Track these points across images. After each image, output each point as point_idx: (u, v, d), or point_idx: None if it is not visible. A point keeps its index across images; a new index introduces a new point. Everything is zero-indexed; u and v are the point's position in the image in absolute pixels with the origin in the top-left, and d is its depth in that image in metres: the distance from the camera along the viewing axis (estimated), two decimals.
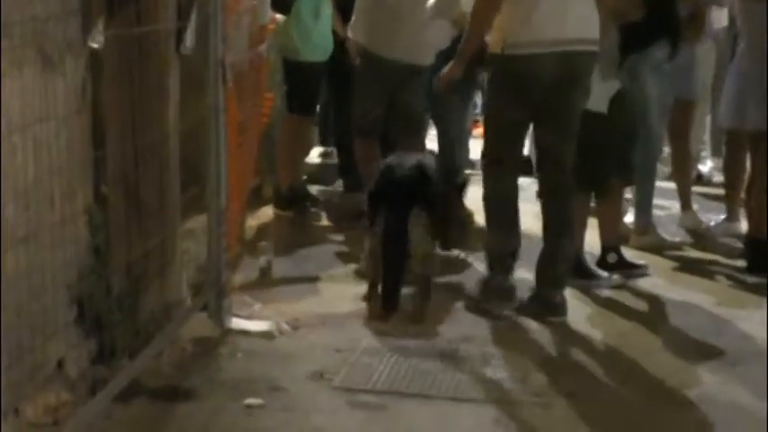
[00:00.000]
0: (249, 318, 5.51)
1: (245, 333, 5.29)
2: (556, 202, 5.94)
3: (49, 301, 4.03)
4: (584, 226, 6.53)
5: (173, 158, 4.90)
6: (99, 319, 4.44)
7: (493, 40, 5.92)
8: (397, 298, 5.73)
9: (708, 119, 9.78)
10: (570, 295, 6.14)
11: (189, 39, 4.89)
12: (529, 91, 5.78)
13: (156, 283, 4.86)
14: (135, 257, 4.67)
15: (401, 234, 5.70)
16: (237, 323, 5.35)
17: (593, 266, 6.56)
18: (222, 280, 5.30)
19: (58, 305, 4.12)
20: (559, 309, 5.87)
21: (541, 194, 6.02)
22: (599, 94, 6.28)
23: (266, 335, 5.29)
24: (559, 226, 5.92)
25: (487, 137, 6.16)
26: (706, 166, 10.12)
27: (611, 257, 6.67)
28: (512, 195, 6.01)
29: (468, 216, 7.50)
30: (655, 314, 6.11)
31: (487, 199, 6.03)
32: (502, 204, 6.01)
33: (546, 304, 5.88)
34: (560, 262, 5.94)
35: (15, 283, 3.71)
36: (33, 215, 3.88)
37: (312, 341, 5.29)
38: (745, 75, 7.06)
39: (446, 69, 6.14)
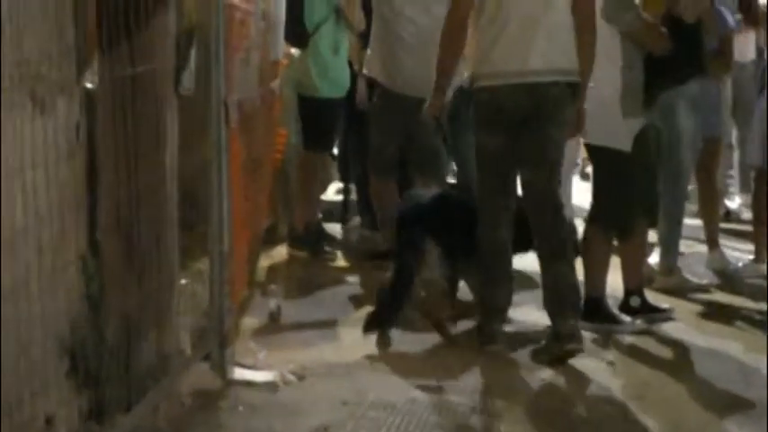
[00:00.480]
0: (253, 367, 5.27)
1: (248, 384, 5.05)
2: (545, 234, 5.76)
3: (38, 354, 3.82)
4: (605, 268, 6.31)
5: (170, 202, 4.69)
6: (91, 372, 4.22)
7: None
8: (391, 314, 5.84)
9: (735, 154, 9.55)
10: (591, 341, 5.92)
11: (187, 78, 4.69)
12: (499, 124, 5.69)
13: (152, 332, 4.63)
14: (130, 306, 4.45)
15: (410, 257, 5.90)
16: (240, 374, 5.12)
17: (615, 311, 6.31)
18: (225, 328, 5.08)
19: (47, 358, 3.90)
20: (572, 338, 5.68)
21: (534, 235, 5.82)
22: (622, 132, 6.07)
23: (270, 386, 5.05)
24: (553, 254, 5.73)
25: (477, 180, 6.03)
26: (734, 203, 9.90)
27: (635, 301, 6.42)
28: (502, 244, 5.85)
29: None
30: (680, 362, 5.86)
31: (480, 247, 5.87)
32: (493, 254, 5.84)
33: (557, 336, 5.70)
34: (562, 290, 5.74)
35: (3, 335, 3.51)
36: (22, 263, 3.68)
37: (318, 393, 5.03)
38: None
39: (426, 103, 6.00)
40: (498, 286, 5.86)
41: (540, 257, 5.82)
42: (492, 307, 5.89)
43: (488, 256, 5.85)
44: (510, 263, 5.90)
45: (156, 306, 4.64)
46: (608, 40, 6.02)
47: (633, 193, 6.22)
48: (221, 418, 4.68)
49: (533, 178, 5.76)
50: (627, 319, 6.29)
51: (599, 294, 6.25)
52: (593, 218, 6.38)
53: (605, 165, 6.08)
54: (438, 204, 6.13)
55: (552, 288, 5.74)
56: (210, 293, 5.07)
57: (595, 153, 6.27)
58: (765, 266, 7.55)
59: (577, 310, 5.86)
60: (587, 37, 5.67)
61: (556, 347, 5.67)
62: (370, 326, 5.89)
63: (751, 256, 7.77)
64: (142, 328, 4.56)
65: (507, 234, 5.83)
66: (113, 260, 4.42)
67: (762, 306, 6.84)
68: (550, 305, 5.77)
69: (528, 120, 5.66)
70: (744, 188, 10.27)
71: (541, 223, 5.76)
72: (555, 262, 5.72)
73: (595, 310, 6.19)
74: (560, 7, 5.65)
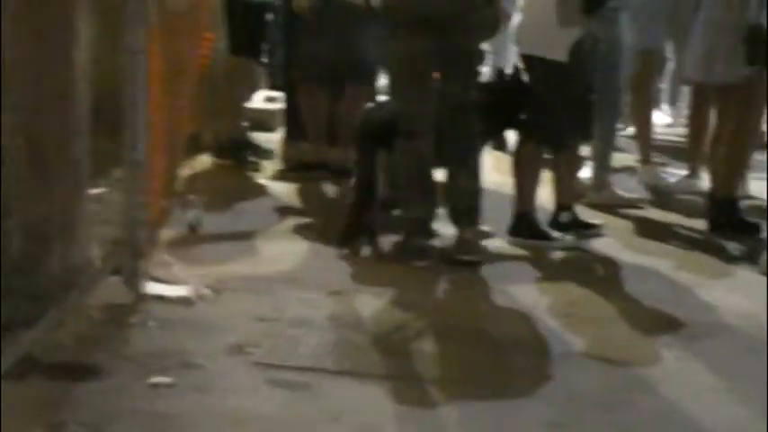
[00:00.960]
0: (168, 281, 5.05)
1: (161, 299, 4.82)
2: (454, 141, 5.71)
3: None
4: (536, 183, 6.14)
5: (80, 105, 4.43)
6: None
7: None
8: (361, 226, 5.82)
9: (671, 66, 9.38)
10: (521, 258, 5.78)
11: None
12: (412, 28, 5.57)
13: (59, 244, 4.40)
14: (35, 216, 4.23)
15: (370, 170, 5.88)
16: (153, 288, 4.88)
17: (545, 226, 6.15)
18: (139, 240, 4.84)
19: None
20: (470, 247, 5.66)
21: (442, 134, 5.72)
22: (558, 42, 5.87)
23: (184, 301, 4.84)
24: (459, 162, 5.71)
25: (392, 88, 5.99)
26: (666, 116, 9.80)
27: (565, 216, 6.26)
28: (423, 155, 5.71)
29: None
30: (609, 280, 5.75)
31: (401, 162, 5.78)
32: (413, 164, 5.73)
33: (459, 243, 5.67)
34: (462, 199, 5.72)
35: None
36: None
37: (234, 309, 4.83)
38: (713, 25, 6.62)
39: None
40: (420, 198, 5.75)
41: (447, 165, 5.75)
42: (415, 219, 5.75)
43: (409, 168, 5.73)
44: (430, 174, 5.77)
45: (63, 216, 4.41)
46: None
47: (569, 106, 6.02)
48: (130, 335, 4.45)
49: (448, 84, 5.68)
50: (557, 234, 6.13)
51: (529, 209, 6.10)
52: (526, 130, 6.19)
53: (540, 76, 5.88)
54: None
55: (454, 196, 5.73)
56: (124, 204, 4.82)
57: (530, 63, 6.06)
58: (700, 182, 7.40)
59: (475, 219, 5.75)
60: None
61: (454, 257, 5.64)
62: (344, 240, 5.80)
63: (685, 172, 7.61)
64: (48, 238, 4.35)
65: (427, 144, 5.69)
66: (18, 167, 4.20)
67: (694, 223, 6.71)
68: (451, 214, 5.75)
69: (441, 23, 5.53)
70: (672, 101, 10.18)
71: (452, 130, 5.68)
72: (459, 170, 5.70)
73: (525, 225, 6.05)
74: None
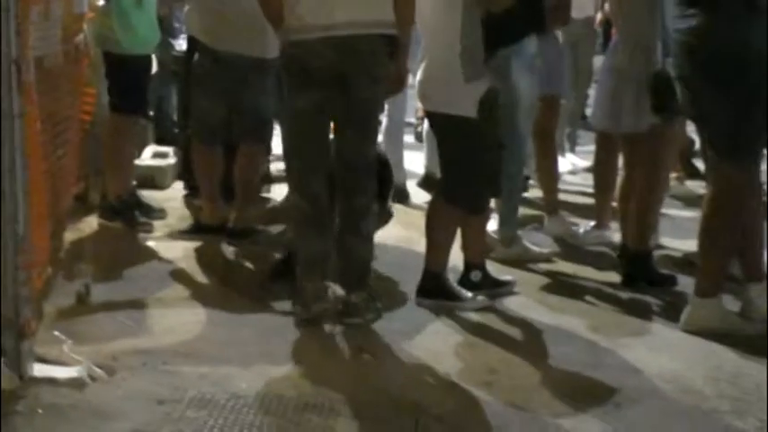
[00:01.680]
0: (57, 361, 4.66)
1: (50, 382, 4.43)
2: (348, 200, 5.48)
3: None
4: (450, 243, 5.89)
5: None
6: None
7: None
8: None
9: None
10: (433, 320, 5.54)
11: None
12: (308, 81, 5.35)
13: None
14: None
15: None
16: (41, 370, 4.48)
17: (455, 286, 5.87)
18: (22, 317, 4.45)
19: None
20: (356, 311, 5.46)
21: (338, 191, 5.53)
22: (465, 97, 5.61)
23: (76, 383, 4.45)
24: (351, 223, 5.48)
25: (285, 135, 5.81)
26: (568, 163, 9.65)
27: (476, 275, 5.99)
28: (319, 194, 5.48)
29: None
30: (527, 343, 5.42)
31: (294, 200, 5.58)
32: (309, 204, 5.47)
33: (345, 306, 5.47)
34: (354, 262, 5.49)
35: None
36: None
37: (130, 390, 4.45)
38: (618, 72, 6.43)
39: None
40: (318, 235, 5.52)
41: (340, 221, 5.52)
42: (310, 262, 5.51)
43: (302, 215, 5.53)
44: (324, 212, 5.54)
45: None
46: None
47: (480, 163, 5.76)
48: (17, 424, 4.05)
49: (344, 139, 5.46)
50: (469, 294, 5.85)
51: (440, 270, 5.83)
52: (440, 190, 5.97)
53: (449, 133, 5.64)
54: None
55: (344, 260, 5.51)
56: (3, 279, 4.42)
57: (438, 121, 5.81)
58: (609, 233, 7.21)
59: (364, 284, 5.50)
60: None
61: (341, 319, 5.46)
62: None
63: (592, 222, 7.40)
64: None
65: (322, 188, 5.49)
66: None
67: (607, 276, 6.48)
68: (341, 276, 5.53)
69: (338, 76, 5.31)
70: (572, 148, 10.07)
71: (347, 187, 5.48)
72: (350, 231, 5.47)
73: (435, 286, 5.78)
74: None
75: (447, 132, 5.76)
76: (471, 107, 5.61)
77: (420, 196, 8.23)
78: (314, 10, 5.29)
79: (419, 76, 5.86)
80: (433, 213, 5.93)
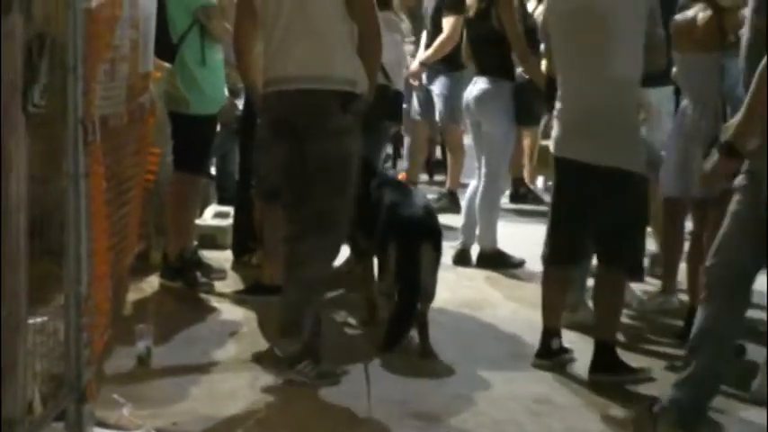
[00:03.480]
0: (117, 425, 4.61)
1: None
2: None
3: None
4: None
5: (15, 238, 3.98)
6: None
7: None
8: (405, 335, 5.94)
9: None
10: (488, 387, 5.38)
11: (37, 93, 4.01)
12: (274, 133, 5.62)
13: None
14: None
15: (416, 271, 5.92)
16: None
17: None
18: (83, 382, 4.39)
19: None
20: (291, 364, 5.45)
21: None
22: (637, 151, 5.71)
23: None
24: (300, 277, 5.48)
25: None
26: None
27: (556, 343, 5.90)
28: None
29: None
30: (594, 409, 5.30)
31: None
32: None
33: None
34: (285, 306, 5.49)
35: None
36: None
37: None
38: (688, 136, 6.33)
39: None
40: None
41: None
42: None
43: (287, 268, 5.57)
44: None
45: (0, 360, 3.95)
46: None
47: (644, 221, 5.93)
48: None
49: (303, 192, 5.49)
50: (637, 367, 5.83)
51: (613, 341, 5.82)
52: (607, 254, 5.82)
53: (620, 190, 5.60)
54: (430, 212, 6.27)
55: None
56: (66, 342, 4.38)
57: (602, 175, 5.65)
58: (675, 299, 7.06)
59: (297, 333, 5.41)
60: (368, 44, 5.43)
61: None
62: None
63: (650, 288, 7.26)
64: None
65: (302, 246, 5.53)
66: None
67: (673, 342, 6.33)
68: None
69: (293, 130, 5.45)
70: None
71: (300, 238, 5.52)
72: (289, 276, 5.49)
73: (611, 360, 5.73)
74: (323, 14, 5.39)
75: (615, 188, 5.63)
76: (642, 162, 5.64)
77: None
78: (273, 64, 5.50)
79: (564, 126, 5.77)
80: (602, 281, 5.81)
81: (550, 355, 5.83)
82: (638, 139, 5.79)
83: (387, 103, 7.17)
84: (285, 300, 5.50)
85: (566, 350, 5.93)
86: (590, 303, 6.67)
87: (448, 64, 9.92)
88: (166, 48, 6.92)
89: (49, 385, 4.57)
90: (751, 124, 4.69)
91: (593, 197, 5.62)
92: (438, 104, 10.26)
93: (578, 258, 6.07)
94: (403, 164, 11.72)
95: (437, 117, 10.39)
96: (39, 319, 4.91)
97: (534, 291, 6.61)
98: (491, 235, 8.13)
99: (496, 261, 8.08)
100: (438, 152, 12.45)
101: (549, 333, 5.87)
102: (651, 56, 5.65)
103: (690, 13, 6.43)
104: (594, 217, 5.66)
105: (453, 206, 10.13)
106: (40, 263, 4.64)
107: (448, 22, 9.66)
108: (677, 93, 7.07)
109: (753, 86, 4.67)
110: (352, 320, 6.54)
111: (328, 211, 5.46)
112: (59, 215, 4.42)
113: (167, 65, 6.97)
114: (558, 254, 5.83)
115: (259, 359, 5.64)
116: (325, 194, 5.44)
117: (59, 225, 4.41)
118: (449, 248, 8.41)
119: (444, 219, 9.59)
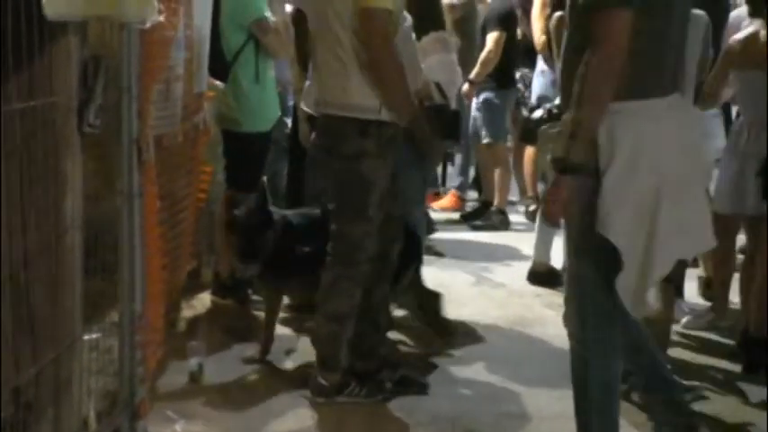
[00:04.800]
0: None
1: None
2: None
3: None
4: None
5: (71, 255, 4.05)
6: None
7: None
8: None
9: None
10: None
11: (92, 113, 4.06)
12: (313, 156, 5.98)
13: (50, 408, 3.99)
14: (24, 379, 3.82)
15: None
16: None
17: None
18: (136, 399, 4.44)
19: None
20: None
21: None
22: None
23: None
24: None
25: None
26: None
27: None
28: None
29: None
30: None
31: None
32: None
33: None
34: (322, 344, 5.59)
35: None
36: None
37: None
38: (743, 154, 6.32)
39: None
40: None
41: None
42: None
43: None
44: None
45: (55, 377, 4.01)
46: None
47: None
48: None
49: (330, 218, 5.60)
50: None
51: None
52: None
53: None
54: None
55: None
56: (120, 360, 4.43)
57: None
58: (723, 319, 7.00)
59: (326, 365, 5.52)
60: (374, 70, 5.32)
61: None
62: None
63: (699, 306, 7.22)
64: (38, 403, 3.94)
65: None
66: (4, 325, 3.81)
67: (723, 364, 6.28)
68: None
69: (323, 152, 5.58)
70: None
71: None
72: (319, 313, 5.59)
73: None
74: (343, 41, 5.33)
75: None
76: None
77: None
78: (314, 87, 5.73)
79: None
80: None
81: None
82: None
83: (444, 123, 7.17)
84: (316, 333, 5.56)
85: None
86: None
87: (496, 81, 9.96)
88: (220, 67, 6.97)
89: (103, 402, 4.63)
90: None
91: None
92: (482, 121, 10.26)
93: None
94: (452, 182, 11.72)
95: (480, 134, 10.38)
96: (93, 336, 4.98)
97: None
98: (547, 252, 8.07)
99: (549, 279, 8.02)
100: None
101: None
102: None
103: (749, 30, 6.41)
104: None
105: (503, 224, 10.14)
106: (94, 281, 4.70)
107: (491, 38, 9.72)
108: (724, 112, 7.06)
109: None
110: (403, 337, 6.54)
111: (345, 236, 5.44)
112: (113, 234, 4.47)
113: (220, 83, 7.02)
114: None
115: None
116: (340, 220, 5.46)
117: (113, 244, 4.46)
118: (500, 267, 8.44)
119: (494, 237, 9.74)
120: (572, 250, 4.43)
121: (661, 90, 4.20)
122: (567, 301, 4.57)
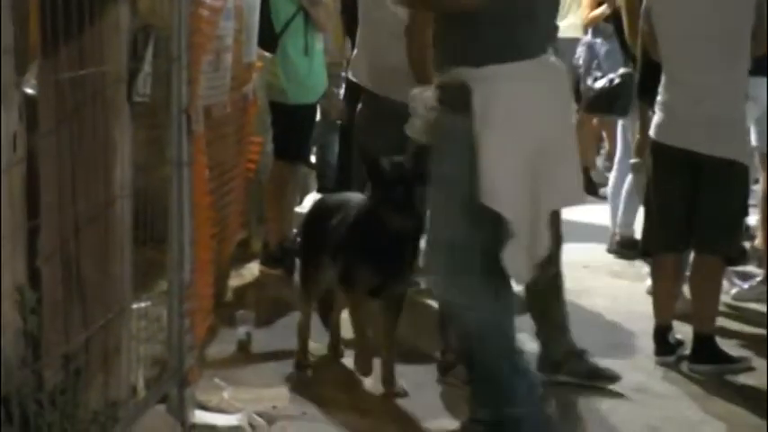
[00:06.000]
0: (218, 408, 4.69)
1: (211, 429, 4.46)
2: None
3: None
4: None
5: (121, 224, 4.09)
6: (29, 420, 3.64)
7: None
8: None
9: None
10: None
11: (142, 83, 4.10)
12: None
13: (100, 375, 4.04)
14: (74, 345, 3.87)
15: None
16: (202, 417, 4.52)
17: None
18: (185, 367, 4.48)
19: None
20: None
21: None
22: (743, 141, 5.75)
23: (236, 431, 4.47)
24: None
25: None
26: None
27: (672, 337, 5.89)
28: None
29: None
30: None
31: None
32: None
33: None
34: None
35: None
36: None
37: None
38: None
39: None
40: None
41: None
42: None
43: None
44: None
45: (104, 344, 4.05)
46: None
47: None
48: None
49: None
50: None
51: (712, 331, 5.78)
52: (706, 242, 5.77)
53: (726, 179, 5.59)
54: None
55: None
56: (168, 327, 4.47)
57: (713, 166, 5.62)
58: None
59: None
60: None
61: None
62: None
63: (758, 278, 7.17)
64: (88, 370, 3.98)
65: None
66: (55, 292, 3.86)
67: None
68: None
69: None
70: None
71: None
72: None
73: (710, 350, 5.71)
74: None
75: (720, 178, 5.61)
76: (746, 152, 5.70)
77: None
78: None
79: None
80: (699, 270, 5.82)
81: (671, 351, 5.79)
82: (746, 129, 5.75)
83: None
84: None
85: (681, 342, 5.89)
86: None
87: None
88: (269, 38, 6.99)
89: (152, 370, 4.68)
90: None
91: (698, 185, 5.58)
92: None
93: (688, 245, 5.90)
94: None
95: None
96: (143, 305, 5.03)
97: (631, 281, 6.65)
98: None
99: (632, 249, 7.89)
100: None
101: (665, 328, 5.83)
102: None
103: None
104: (695, 204, 5.62)
105: None
106: (143, 250, 4.75)
107: None
108: None
109: None
110: None
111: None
112: (163, 203, 4.51)
113: (268, 54, 7.05)
114: (671, 241, 5.76)
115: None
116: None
117: (163, 213, 4.50)
118: None
119: None
120: (448, 219, 4.33)
121: (532, 51, 4.19)
122: (440, 270, 4.44)
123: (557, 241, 4.92)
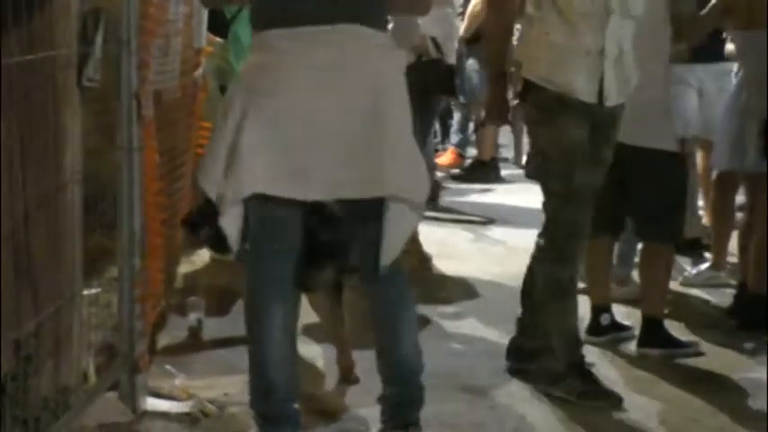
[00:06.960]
0: (169, 395, 4.66)
1: (162, 416, 4.44)
2: None
3: None
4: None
5: (71, 210, 4.06)
6: None
7: None
8: None
9: None
10: None
11: (92, 68, 4.07)
12: None
13: (50, 361, 4.01)
14: (23, 332, 3.84)
15: None
16: (154, 404, 4.50)
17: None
18: (136, 353, 4.46)
19: None
20: None
21: None
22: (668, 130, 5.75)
23: (187, 418, 4.45)
24: None
25: None
26: None
27: (605, 319, 5.89)
28: None
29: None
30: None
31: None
32: None
33: None
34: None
35: None
36: None
37: (241, 427, 4.45)
38: (743, 111, 6.30)
39: None
40: None
41: None
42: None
43: None
44: None
45: (55, 330, 4.03)
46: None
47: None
48: None
49: None
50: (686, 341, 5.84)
51: (661, 316, 5.83)
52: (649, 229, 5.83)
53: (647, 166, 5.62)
54: None
55: None
56: (119, 314, 4.45)
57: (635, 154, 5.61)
58: (723, 275, 7.04)
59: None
60: None
61: None
62: None
63: (705, 264, 7.24)
64: (38, 356, 3.96)
65: None
66: (4, 279, 3.83)
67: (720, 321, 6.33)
68: None
69: None
70: None
71: None
72: None
73: (659, 333, 5.76)
74: None
75: (649, 168, 5.65)
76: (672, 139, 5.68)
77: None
78: None
79: None
80: (649, 257, 5.86)
81: (601, 332, 5.83)
82: (671, 117, 5.75)
83: (440, 78, 7.16)
84: None
85: (621, 326, 5.92)
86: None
87: None
88: (220, 23, 6.94)
89: (102, 356, 4.66)
90: None
91: (631, 174, 5.61)
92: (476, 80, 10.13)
93: (621, 229, 6.00)
94: (452, 139, 11.72)
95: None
96: (93, 291, 5.01)
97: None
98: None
99: None
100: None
101: (599, 309, 5.86)
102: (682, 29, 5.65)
103: None
104: (631, 193, 5.67)
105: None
106: (93, 236, 4.73)
107: None
108: None
109: None
110: None
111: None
112: (113, 189, 4.49)
113: (220, 40, 7.00)
114: (602, 224, 5.75)
115: None
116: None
117: (113, 198, 4.48)
118: (499, 224, 8.46)
119: (494, 195, 9.77)
120: None
121: (302, 19, 3.97)
122: None
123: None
